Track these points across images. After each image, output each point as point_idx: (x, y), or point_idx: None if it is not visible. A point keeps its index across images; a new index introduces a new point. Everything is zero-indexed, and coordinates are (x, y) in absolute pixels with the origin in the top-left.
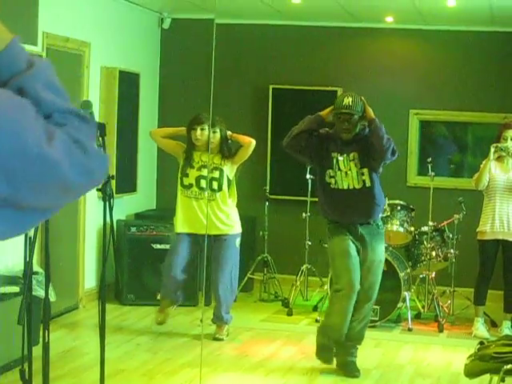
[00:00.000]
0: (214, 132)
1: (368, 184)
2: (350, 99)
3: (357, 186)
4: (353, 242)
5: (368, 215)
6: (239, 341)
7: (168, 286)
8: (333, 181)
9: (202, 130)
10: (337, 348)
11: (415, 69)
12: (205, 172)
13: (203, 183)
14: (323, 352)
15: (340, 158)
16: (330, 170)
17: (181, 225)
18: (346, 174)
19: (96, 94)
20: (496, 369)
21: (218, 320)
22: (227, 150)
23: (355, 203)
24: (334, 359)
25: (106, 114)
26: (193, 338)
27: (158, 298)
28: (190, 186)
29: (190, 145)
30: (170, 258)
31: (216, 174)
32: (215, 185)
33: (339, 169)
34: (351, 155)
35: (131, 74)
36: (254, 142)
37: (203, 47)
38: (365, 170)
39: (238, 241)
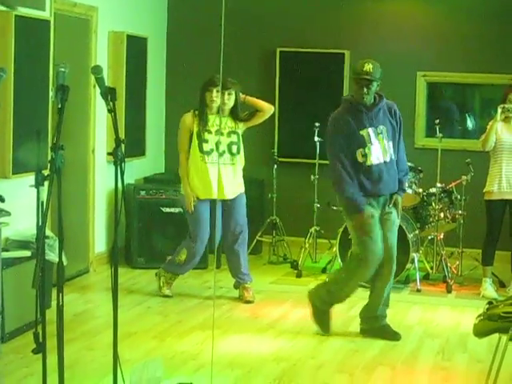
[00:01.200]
0: (230, 94)
1: (393, 157)
2: (371, 65)
3: (386, 159)
4: (376, 210)
5: (393, 187)
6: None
7: (188, 265)
8: (365, 159)
9: (217, 91)
10: (366, 315)
11: (422, 30)
12: (221, 136)
13: (221, 148)
14: (323, 318)
15: (370, 133)
16: (361, 149)
17: (201, 192)
18: (375, 147)
19: (104, 58)
20: (505, 328)
21: (246, 279)
22: (239, 112)
23: (382, 176)
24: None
25: (115, 79)
26: (203, 300)
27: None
28: (211, 151)
29: (204, 107)
30: (196, 234)
31: (234, 138)
32: (234, 149)
33: (370, 142)
34: (379, 128)
35: (139, 38)
36: (273, 108)
37: (210, 10)
38: (390, 144)
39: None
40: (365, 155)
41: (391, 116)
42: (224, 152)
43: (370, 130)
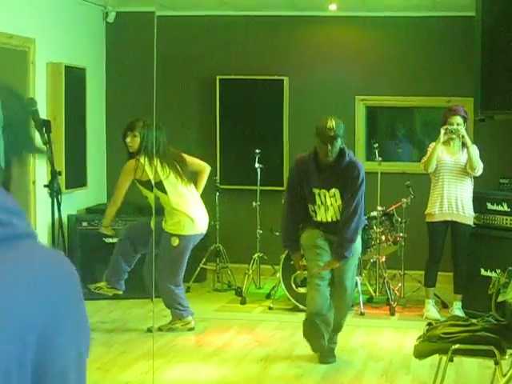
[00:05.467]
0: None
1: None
2: (334, 122)
3: (339, 218)
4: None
5: None
6: (193, 331)
7: None
8: (314, 214)
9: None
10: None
11: (360, 55)
12: None
13: None
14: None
15: (321, 195)
16: (312, 205)
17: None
18: (328, 208)
19: (42, 90)
20: (444, 349)
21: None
22: None
23: (331, 230)
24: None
25: (54, 110)
26: (147, 330)
27: None
28: None
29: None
30: None
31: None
32: None
33: (322, 203)
34: (331, 191)
35: (77, 69)
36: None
37: (148, 40)
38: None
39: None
40: (314, 211)
41: (350, 176)
42: None
43: (322, 191)
